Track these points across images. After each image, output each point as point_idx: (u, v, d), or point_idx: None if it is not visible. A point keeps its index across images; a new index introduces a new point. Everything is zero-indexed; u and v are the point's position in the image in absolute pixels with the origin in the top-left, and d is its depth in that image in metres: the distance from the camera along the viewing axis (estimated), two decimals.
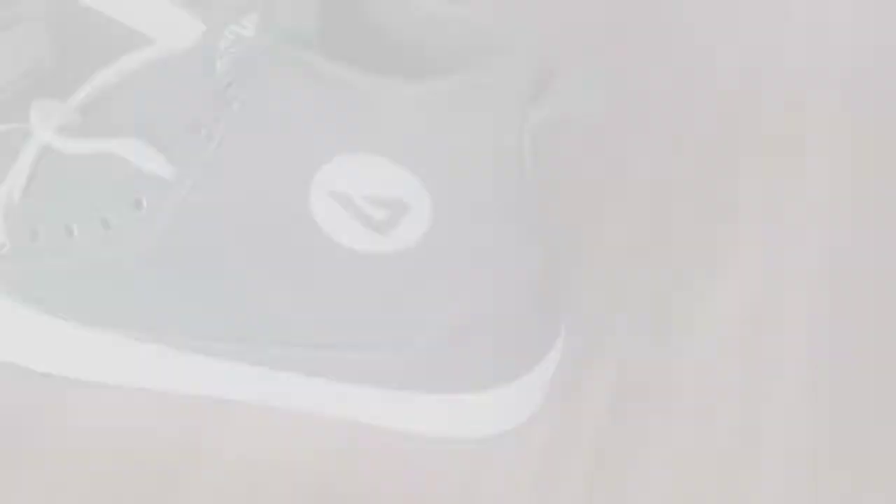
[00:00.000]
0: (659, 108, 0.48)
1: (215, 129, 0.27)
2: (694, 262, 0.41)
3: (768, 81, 0.50)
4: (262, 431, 0.33)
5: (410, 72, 0.29)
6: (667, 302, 0.39)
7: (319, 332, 0.30)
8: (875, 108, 0.49)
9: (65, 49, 0.51)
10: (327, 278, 0.28)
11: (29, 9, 0.45)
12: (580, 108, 0.24)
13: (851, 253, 0.41)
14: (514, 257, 0.28)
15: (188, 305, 0.31)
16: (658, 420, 0.34)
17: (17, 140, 0.35)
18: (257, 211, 0.28)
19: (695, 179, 0.46)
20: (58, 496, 0.30)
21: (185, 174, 0.28)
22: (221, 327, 0.31)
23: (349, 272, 0.28)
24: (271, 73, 0.26)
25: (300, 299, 0.29)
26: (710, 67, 0.50)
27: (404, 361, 0.30)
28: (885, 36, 0.53)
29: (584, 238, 0.42)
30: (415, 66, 0.29)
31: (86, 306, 0.32)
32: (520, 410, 0.32)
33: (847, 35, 0.53)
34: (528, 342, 0.30)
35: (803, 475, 0.33)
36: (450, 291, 0.28)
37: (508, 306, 0.29)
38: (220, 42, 0.29)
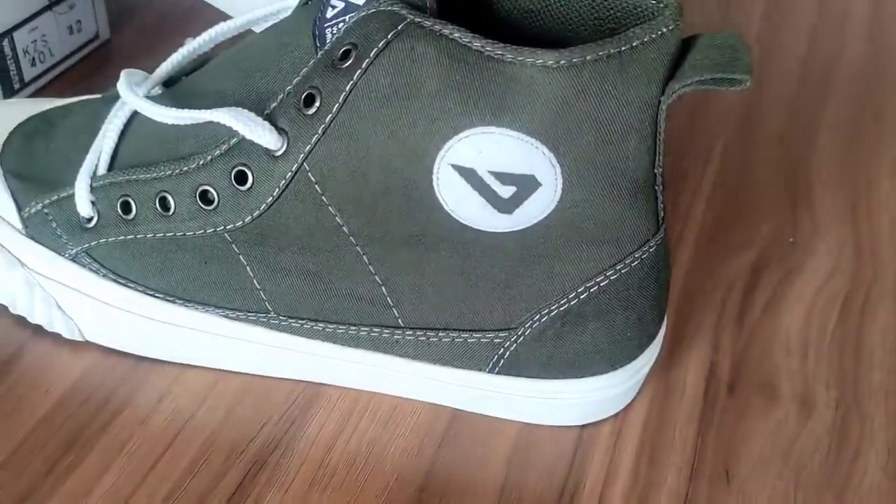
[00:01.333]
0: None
1: (330, 101, 0.26)
2: (781, 243, 0.41)
3: None
4: (357, 417, 0.32)
5: (539, 42, 0.28)
6: (756, 282, 0.39)
7: (431, 313, 0.29)
8: None
9: (120, 21, 0.50)
10: (444, 257, 0.27)
11: None
12: (728, 73, 0.23)
13: None
14: (637, 237, 0.27)
15: (289, 285, 0.29)
16: (758, 402, 0.34)
17: (100, 108, 0.34)
18: (372, 186, 0.26)
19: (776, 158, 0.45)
20: (146, 481, 0.29)
21: (295, 147, 0.27)
22: (322, 308, 0.29)
23: (468, 250, 0.27)
24: (397, 43, 0.25)
25: (413, 279, 0.28)
26: None
27: (515, 344, 0.29)
28: None
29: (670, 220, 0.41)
30: (543, 35, 0.28)
31: (179, 284, 0.30)
32: (623, 396, 0.31)
33: None
34: (640, 325, 0.29)
35: None
36: (569, 272, 0.27)
37: (627, 288, 0.28)
38: (328, 10, 0.27)
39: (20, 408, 0.31)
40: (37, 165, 0.33)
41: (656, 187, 0.26)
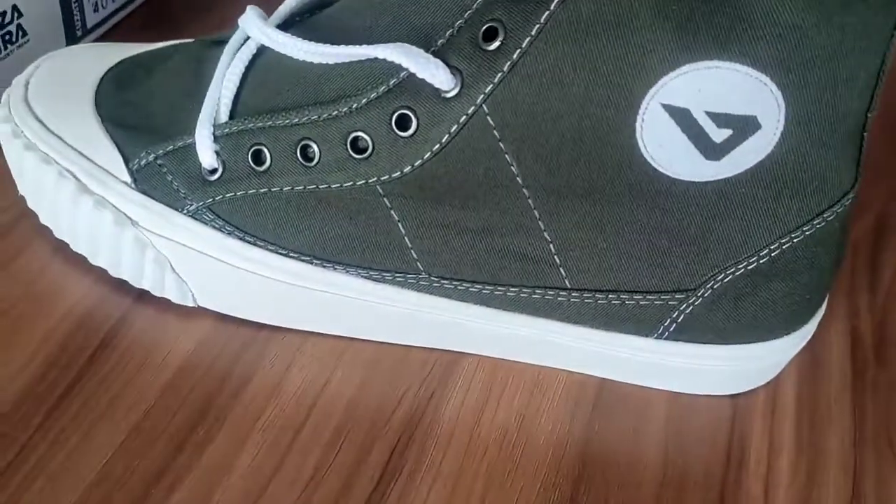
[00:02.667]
0: None
1: (519, 34, 0.23)
2: None
3: None
4: (499, 388, 0.30)
5: None
6: (882, 244, 0.37)
7: (601, 273, 0.26)
8: None
9: None
10: (628, 210, 0.25)
11: None
12: None
13: None
14: (841, 188, 0.25)
15: (445, 243, 0.27)
16: None
17: (202, 52, 0.31)
18: (561, 131, 0.24)
19: None
20: (288, 457, 0.27)
21: (472, 88, 0.24)
22: (480, 268, 0.27)
23: (657, 202, 0.25)
24: None
25: (588, 235, 0.26)
26: None
27: (692, 307, 0.27)
28: None
29: None
30: None
31: (318, 243, 0.28)
32: (782, 363, 0.30)
33: None
34: (820, 287, 0.27)
35: None
36: (766, 226, 0.25)
37: (815, 244, 0.26)
38: None
39: (139, 378, 0.28)
40: (140, 113, 0.30)
41: (865, 133, 0.25)
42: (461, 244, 0.27)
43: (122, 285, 0.31)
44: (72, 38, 0.39)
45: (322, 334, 0.30)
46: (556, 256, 0.26)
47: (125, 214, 0.29)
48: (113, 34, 0.42)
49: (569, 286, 0.27)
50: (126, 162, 0.29)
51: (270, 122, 0.27)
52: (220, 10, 0.45)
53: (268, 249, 0.28)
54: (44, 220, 0.31)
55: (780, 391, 0.31)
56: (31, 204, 0.31)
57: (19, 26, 0.35)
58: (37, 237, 0.32)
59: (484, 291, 0.27)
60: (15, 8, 0.35)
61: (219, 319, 0.31)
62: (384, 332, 0.30)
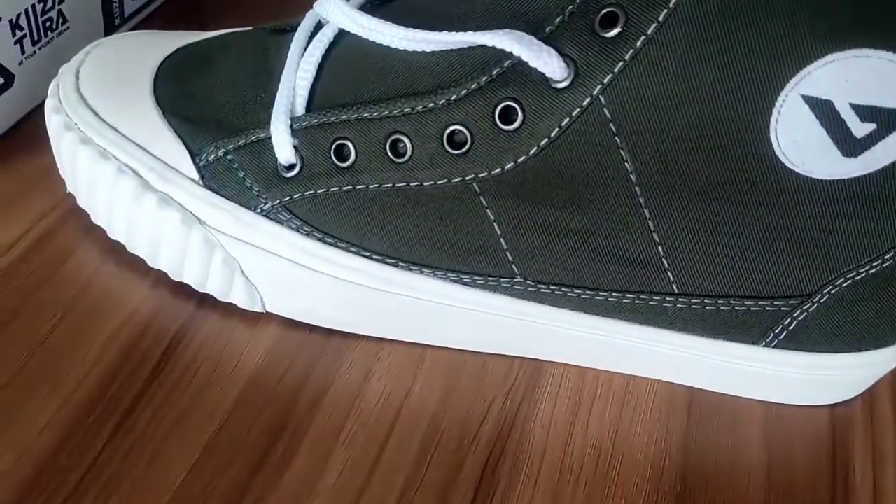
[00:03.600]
0: None
1: (642, 20, 0.22)
2: None
3: None
4: (589, 398, 0.28)
5: None
6: None
7: (712, 278, 0.25)
8: None
9: None
10: (749, 210, 0.23)
11: None
12: None
13: None
14: None
15: (544, 244, 0.25)
16: None
17: (266, 40, 0.29)
18: (682, 125, 0.22)
19: None
20: (375, 474, 0.25)
21: (587, 78, 0.22)
22: (581, 272, 0.25)
23: (781, 202, 0.23)
24: None
25: (702, 237, 0.24)
26: None
27: (807, 313, 0.25)
28: None
29: None
30: None
31: (405, 244, 0.26)
32: (880, 371, 0.28)
33: None
34: None
35: None
36: (893, 229, 0.23)
37: None
38: None
39: (208, 391, 0.26)
40: (205, 105, 0.28)
41: None
42: (561, 246, 0.25)
43: (182, 290, 0.29)
44: (110, 26, 0.37)
45: (397, 341, 0.29)
46: (664, 259, 0.25)
47: (192, 213, 0.27)
48: (148, 24, 0.40)
49: (676, 291, 0.25)
50: (193, 157, 0.27)
51: (356, 115, 0.25)
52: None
53: (349, 251, 0.26)
54: (97, 219, 0.29)
55: (876, 401, 0.30)
56: (82, 202, 0.29)
57: (60, 12, 0.33)
58: (87, 238, 0.30)
59: (583, 297, 0.26)
60: None
61: (287, 326, 0.29)
62: (467, 339, 0.28)
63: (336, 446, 0.26)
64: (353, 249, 0.26)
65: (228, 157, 0.27)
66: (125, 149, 0.27)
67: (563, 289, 0.26)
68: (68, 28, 0.34)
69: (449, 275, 0.26)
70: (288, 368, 0.27)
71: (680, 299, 0.25)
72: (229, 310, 0.29)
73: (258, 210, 0.27)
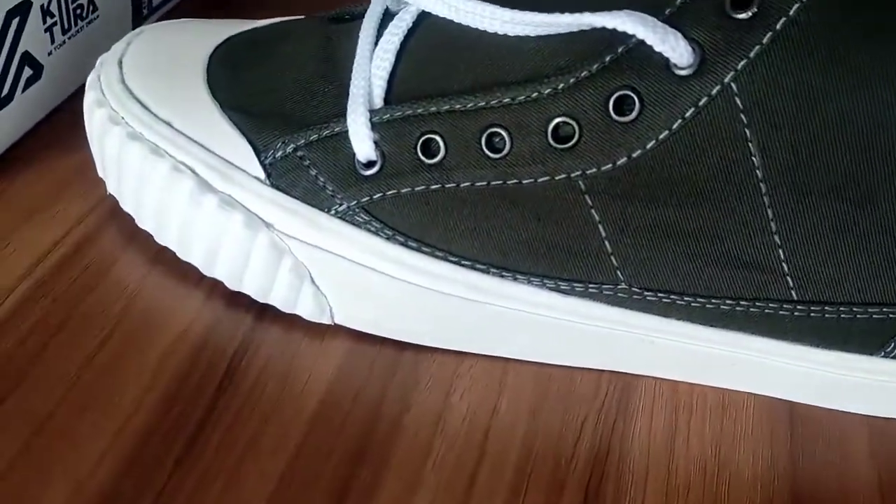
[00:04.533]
0: None
1: (779, 2, 0.20)
2: None
3: None
4: (685, 414, 0.26)
5: None
6: None
7: (833, 282, 0.23)
8: None
9: None
10: (882, 210, 0.21)
11: None
12: None
13: None
14: None
15: (654, 248, 0.23)
16: None
17: (327, 29, 0.27)
18: (821, 116, 0.20)
19: None
20: (470, 502, 0.23)
21: (717, 64, 0.20)
22: (695, 278, 0.23)
23: None
24: None
25: (829, 239, 0.22)
26: None
27: None
28: None
29: None
30: None
31: (497, 248, 0.24)
32: None
33: None
34: None
35: None
36: None
37: None
38: None
39: (280, 412, 0.24)
40: (267, 99, 0.26)
41: None
42: (673, 249, 0.23)
43: (239, 300, 0.26)
44: (138, 16, 0.34)
45: (476, 354, 0.26)
46: (784, 263, 0.23)
47: (257, 216, 0.24)
48: (175, 14, 0.38)
49: (794, 298, 0.23)
50: (258, 154, 0.25)
51: (447, 107, 0.23)
52: None
53: (434, 256, 0.24)
54: (143, 222, 0.26)
55: None
56: (127, 204, 0.27)
57: (91, 0, 0.31)
58: (131, 244, 0.27)
59: (693, 305, 0.24)
60: None
61: (356, 339, 0.26)
62: (555, 352, 0.26)
63: (424, 472, 0.23)
64: (438, 254, 0.24)
65: (298, 153, 0.24)
66: (181, 145, 0.25)
67: (672, 296, 0.24)
68: (98, 17, 0.31)
69: (545, 281, 0.24)
70: (362, 386, 0.25)
71: (798, 307, 0.24)
72: (293, 322, 0.26)
73: (332, 212, 0.24)
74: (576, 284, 0.24)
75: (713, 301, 0.24)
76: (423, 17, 0.25)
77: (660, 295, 0.24)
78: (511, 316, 0.25)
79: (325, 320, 0.26)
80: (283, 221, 0.24)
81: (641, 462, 0.24)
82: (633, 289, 0.24)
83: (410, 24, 0.25)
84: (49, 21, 0.28)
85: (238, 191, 0.24)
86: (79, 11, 0.30)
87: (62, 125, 0.31)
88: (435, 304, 0.25)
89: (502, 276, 0.24)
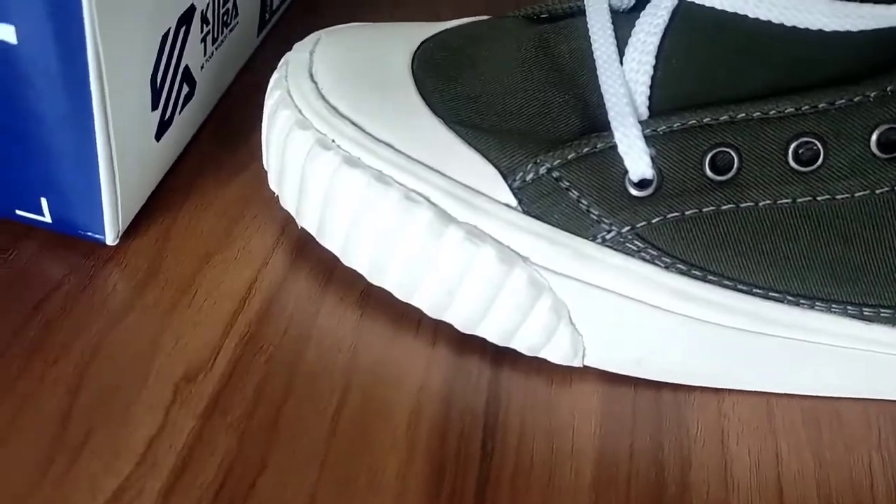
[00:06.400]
0: None
1: None
2: None
3: None
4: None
5: None
6: None
7: None
8: None
9: None
10: None
11: None
12: None
13: None
14: None
15: None
16: None
17: (530, 30, 0.24)
18: None
19: None
20: None
21: None
22: None
23: None
24: None
25: None
26: None
27: None
28: None
29: None
30: None
31: (796, 274, 0.20)
32: None
33: None
34: None
35: None
36: None
37: None
38: None
39: (558, 475, 0.20)
40: (495, 112, 0.22)
41: None
42: None
43: (470, 345, 0.23)
44: (263, 22, 0.30)
45: (735, 391, 0.24)
46: None
47: (510, 248, 0.21)
48: (291, 16, 0.34)
49: None
50: (504, 177, 0.22)
51: (743, 114, 0.20)
52: None
53: (722, 285, 0.21)
54: (354, 260, 0.23)
55: None
56: (331, 239, 0.23)
57: (235, 4, 0.27)
58: (330, 284, 0.24)
59: None
60: None
61: (608, 382, 0.23)
62: (833, 384, 0.23)
63: None
64: (726, 283, 0.21)
65: (554, 174, 0.21)
66: (411, 170, 0.21)
67: None
68: (238, 23, 0.28)
69: (848, 308, 0.21)
70: (632, 439, 0.22)
71: None
72: (536, 365, 0.23)
73: (598, 239, 0.21)
74: (883, 310, 0.21)
75: None
76: (680, 10, 0.22)
77: None
78: (801, 347, 0.22)
79: (576, 363, 0.22)
80: (541, 253, 0.21)
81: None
82: None
83: (668, 20, 0.22)
84: (205, 30, 0.25)
85: (486, 220, 0.21)
86: (226, 18, 0.26)
87: (210, 145, 0.27)
88: (713, 338, 0.22)
89: (799, 305, 0.21)
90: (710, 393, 0.23)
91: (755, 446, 0.22)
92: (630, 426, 0.22)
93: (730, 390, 0.23)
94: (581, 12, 0.24)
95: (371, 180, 0.21)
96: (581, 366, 0.23)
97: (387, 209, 0.21)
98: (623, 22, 0.22)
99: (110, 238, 0.22)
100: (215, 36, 0.25)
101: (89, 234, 0.22)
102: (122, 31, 0.20)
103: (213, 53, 0.26)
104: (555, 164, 0.21)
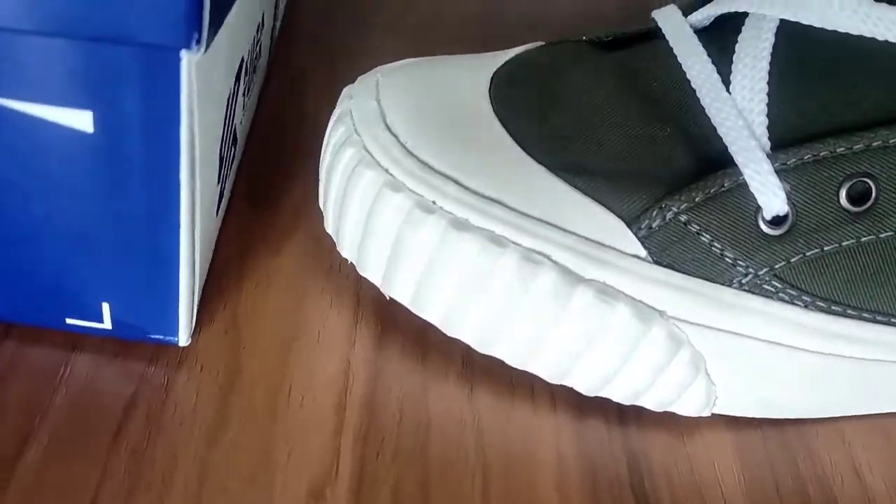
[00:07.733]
0: None
1: None
2: None
3: None
4: None
5: None
6: None
7: None
8: None
9: None
10: None
11: None
12: None
13: None
14: None
15: None
16: None
17: (598, 56, 0.22)
18: None
19: None
20: None
21: None
22: None
23: None
24: None
25: None
26: None
27: None
28: None
29: None
30: None
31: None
32: None
33: None
34: None
35: None
36: None
37: None
38: None
39: None
40: (599, 152, 0.20)
41: None
42: None
43: (592, 406, 0.21)
44: (269, 54, 0.27)
45: (851, 417, 0.23)
46: None
47: (645, 303, 0.19)
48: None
49: None
50: (629, 226, 0.20)
51: (879, 141, 0.19)
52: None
53: (861, 318, 0.20)
54: (460, 330, 0.20)
55: None
56: (432, 310, 0.20)
57: (259, 41, 0.24)
58: (427, 361, 0.21)
59: None
60: None
61: (734, 427, 0.21)
62: None
63: None
64: (865, 316, 0.20)
65: (682, 218, 0.20)
66: (525, 228, 0.19)
67: None
68: (260, 62, 0.24)
69: None
70: (776, 482, 0.21)
71: None
72: (661, 421, 0.21)
73: (736, 284, 0.20)
74: None
75: None
76: (786, 30, 0.20)
77: None
78: None
79: (705, 413, 0.21)
80: (679, 306, 0.19)
81: None
82: None
83: (773, 42, 0.20)
84: (245, 81, 0.21)
85: (617, 276, 0.19)
86: (258, 61, 0.23)
87: (241, 201, 0.24)
88: (850, 372, 0.21)
89: None
90: (830, 423, 0.23)
91: (888, 475, 0.22)
92: (769, 470, 0.21)
93: (843, 417, 0.23)
94: (655, 35, 0.23)
95: (486, 243, 0.19)
96: (709, 415, 0.21)
97: (505, 273, 0.19)
98: (709, 44, 0.21)
99: (183, 339, 0.19)
100: (249, 85, 0.22)
101: (157, 336, 0.19)
102: (209, 108, 0.17)
103: (245, 104, 0.23)
104: (682, 207, 0.19)
